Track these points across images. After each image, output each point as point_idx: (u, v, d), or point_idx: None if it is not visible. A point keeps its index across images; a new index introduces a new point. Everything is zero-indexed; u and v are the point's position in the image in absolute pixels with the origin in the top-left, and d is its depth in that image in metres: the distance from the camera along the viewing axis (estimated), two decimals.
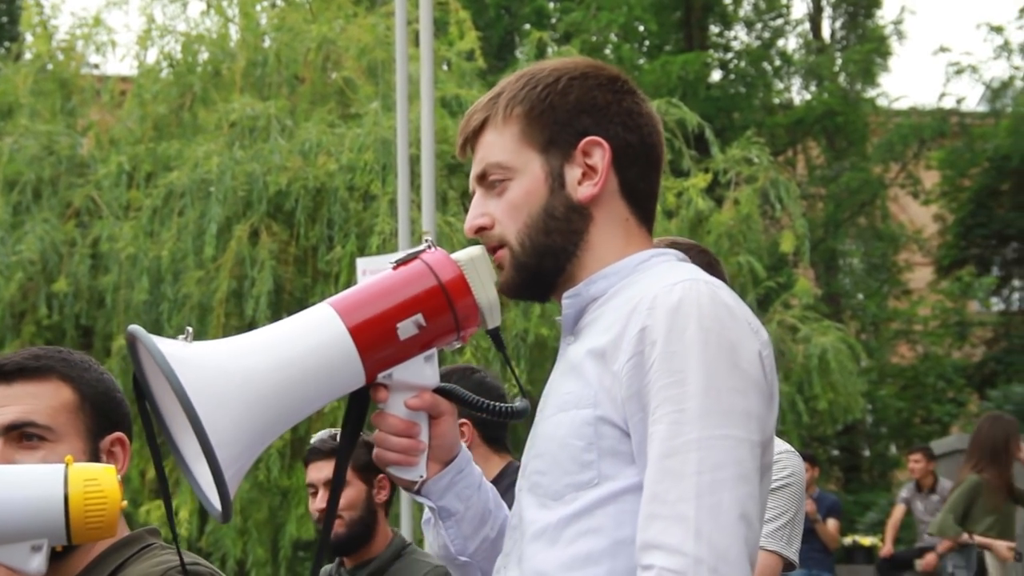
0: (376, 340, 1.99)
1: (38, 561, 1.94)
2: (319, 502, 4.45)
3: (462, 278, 2.07)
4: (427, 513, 2.25)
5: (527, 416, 2.17)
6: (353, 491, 4.42)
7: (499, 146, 2.14)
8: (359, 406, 2.09)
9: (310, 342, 1.95)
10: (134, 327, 1.87)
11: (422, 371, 2.07)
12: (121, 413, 2.45)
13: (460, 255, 2.10)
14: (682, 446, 1.91)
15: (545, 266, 2.14)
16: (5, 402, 2.33)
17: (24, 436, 2.30)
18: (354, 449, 2.14)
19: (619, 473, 1.99)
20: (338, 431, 4.43)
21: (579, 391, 2.03)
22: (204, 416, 1.80)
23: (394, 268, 2.07)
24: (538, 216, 2.12)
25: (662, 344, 1.95)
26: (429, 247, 2.11)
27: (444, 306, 2.05)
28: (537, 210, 2.12)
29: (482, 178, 2.16)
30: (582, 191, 2.13)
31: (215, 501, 1.91)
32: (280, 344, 1.95)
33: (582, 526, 1.99)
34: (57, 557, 2.24)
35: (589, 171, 2.14)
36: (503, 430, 4.20)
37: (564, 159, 2.14)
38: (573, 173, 2.13)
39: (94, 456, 2.35)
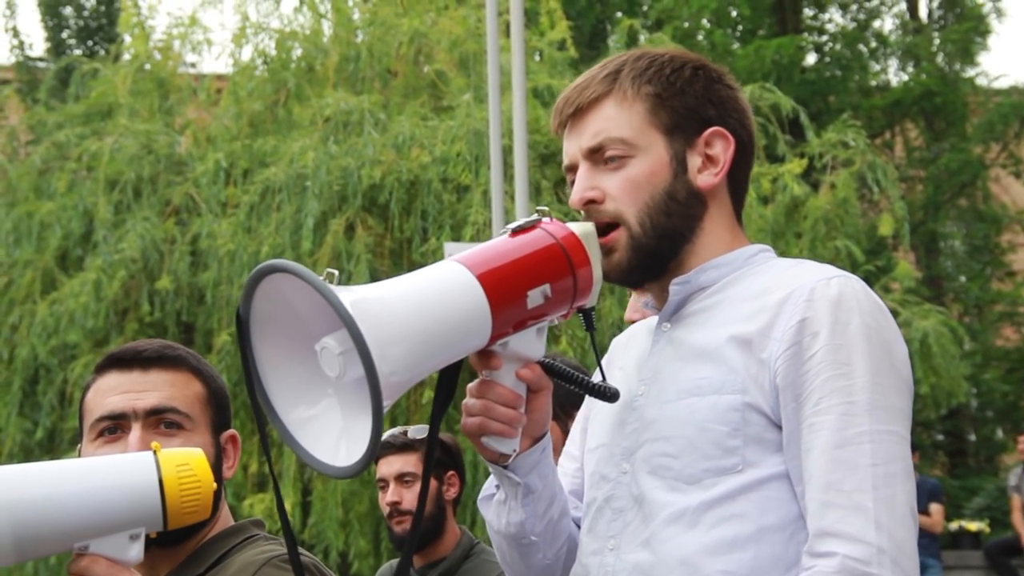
0: (507, 304, 1.97)
1: (136, 550, 1.95)
2: (390, 496, 4.41)
3: (584, 249, 2.06)
4: (490, 489, 2.26)
5: (618, 399, 2.15)
6: None
7: (622, 122, 2.14)
8: (449, 381, 2.08)
9: (451, 298, 1.93)
10: (285, 261, 1.84)
11: (533, 343, 2.07)
12: (230, 412, 2.48)
13: (575, 227, 2.08)
14: (855, 437, 1.94)
15: (662, 248, 2.15)
16: (144, 387, 2.34)
17: (163, 423, 2.32)
18: (444, 412, 2.09)
19: (763, 460, 2.01)
20: (407, 428, 4.44)
21: (720, 377, 2.04)
22: (377, 359, 1.76)
23: (512, 235, 2.05)
24: (660, 198, 2.13)
25: (826, 336, 1.98)
26: (545, 217, 2.09)
27: (568, 277, 2.04)
28: (660, 191, 2.13)
29: (596, 152, 2.15)
30: (703, 179, 2.16)
31: (329, 459, 1.88)
32: (423, 294, 1.92)
33: (725, 511, 2.00)
34: (160, 546, 2.27)
35: (708, 161, 2.16)
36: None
37: (687, 145, 2.16)
38: (694, 160, 2.16)
39: (217, 450, 2.38)
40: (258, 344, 1.94)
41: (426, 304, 1.90)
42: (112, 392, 2.35)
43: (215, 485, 2.01)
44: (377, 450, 1.82)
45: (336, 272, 1.81)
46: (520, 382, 2.08)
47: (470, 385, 2.10)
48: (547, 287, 2.00)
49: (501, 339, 2.01)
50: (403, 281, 1.95)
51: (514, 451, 2.12)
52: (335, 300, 1.76)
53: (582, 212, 2.16)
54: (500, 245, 2.03)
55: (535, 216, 2.08)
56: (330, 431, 1.91)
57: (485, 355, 2.04)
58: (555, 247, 2.03)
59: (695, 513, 2.01)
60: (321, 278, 1.79)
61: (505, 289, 1.96)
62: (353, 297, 1.79)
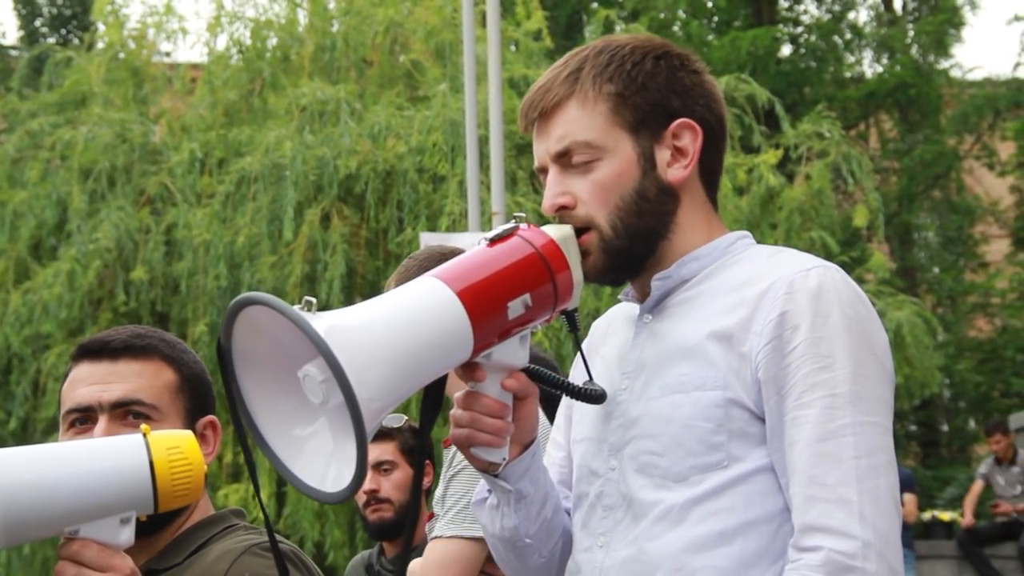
0: (488, 318, 1.96)
1: (127, 534, 1.94)
2: (367, 483, 4.41)
3: (562, 256, 2.04)
4: (482, 493, 2.25)
5: (604, 400, 2.14)
6: (402, 475, 4.42)
7: (586, 124, 2.11)
8: (437, 387, 2.06)
9: (431, 315, 1.91)
10: (260, 294, 1.82)
11: (517, 352, 2.05)
12: (211, 397, 2.48)
13: (552, 232, 2.06)
14: (837, 430, 1.94)
15: (636, 248, 2.12)
16: (110, 379, 2.35)
17: (130, 414, 2.32)
18: (432, 426, 2.10)
19: (747, 455, 2.01)
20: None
21: (702, 373, 2.03)
22: (355, 385, 1.75)
23: (490, 245, 2.02)
24: (630, 198, 2.10)
25: (807, 329, 1.97)
26: (521, 224, 2.06)
27: (548, 284, 2.02)
28: (629, 192, 2.10)
29: (563, 156, 2.12)
30: (672, 173, 2.12)
31: (318, 484, 1.88)
32: (402, 315, 1.91)
33: (711, 506, 2.00)
34: (143, 534, 2.26)
35: (677, 153, 2.13)
36: None
37: (653, 140, 2.12)
38: (662, 155, 2.12)
39: None
40: (243, 374, 1.93)
41: (405, 325, 1.89)
42: (82, 384, 2.36)
43: (206, 467, 2.00)
44: (364, 476, 1.82)
45: (314, 300, 1.80)
46: (506, 392, 2.07)
47: (457, 395, 2.08)
48: (527, 296, 1.98)
49: (484, 351, 2.00)
50: (381, 302, 1.93)
51: (503, 459, 2.11)
52: (310, 330, 1.75)
53: (556, 217, 2.14)
54: (478, 257, 2.01)
55: (512, 224, 2.06)
56: (320, 455, 1.90)
57: (469, 368, 2.02)
58: (534, 255, 2.01)
59: (682, 510, 2.02)
60: (298, 308, 1.78)
61: (485, 303, 1.94)
62: (327, 324, 1.78)
